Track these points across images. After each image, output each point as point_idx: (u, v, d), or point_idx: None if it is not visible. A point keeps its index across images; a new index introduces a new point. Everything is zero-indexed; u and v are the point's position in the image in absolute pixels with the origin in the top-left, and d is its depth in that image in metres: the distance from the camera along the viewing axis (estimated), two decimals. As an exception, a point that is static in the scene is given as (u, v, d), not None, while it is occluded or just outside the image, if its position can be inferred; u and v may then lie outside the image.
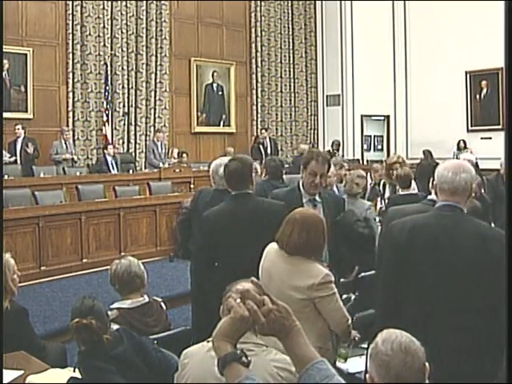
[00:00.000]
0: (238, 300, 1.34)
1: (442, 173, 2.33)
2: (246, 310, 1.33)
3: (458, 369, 2.20)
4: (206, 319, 3.20)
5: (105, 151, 9.80)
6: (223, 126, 12.57)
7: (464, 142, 12.23)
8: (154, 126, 11.27)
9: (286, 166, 8.52)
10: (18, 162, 9.03)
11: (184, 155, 10.79)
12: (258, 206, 3.34)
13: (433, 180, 2.45)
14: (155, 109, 11.30)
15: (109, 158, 9.65)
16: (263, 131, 12.23)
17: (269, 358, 2.05)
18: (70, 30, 10.15)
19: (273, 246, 2.87)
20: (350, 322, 2.77)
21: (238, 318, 1.33)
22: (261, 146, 11.89)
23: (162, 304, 3.23)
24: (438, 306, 2.28)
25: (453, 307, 2.27)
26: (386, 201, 5.86)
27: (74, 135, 10.20)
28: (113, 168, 9.62)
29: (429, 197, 2.89)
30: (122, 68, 10.78)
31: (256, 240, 3.06)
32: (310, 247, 2.69)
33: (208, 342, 2.14)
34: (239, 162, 3.35)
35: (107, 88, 10.29)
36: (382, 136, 14.38)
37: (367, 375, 1.63)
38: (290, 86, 13.64)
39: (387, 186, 6.53)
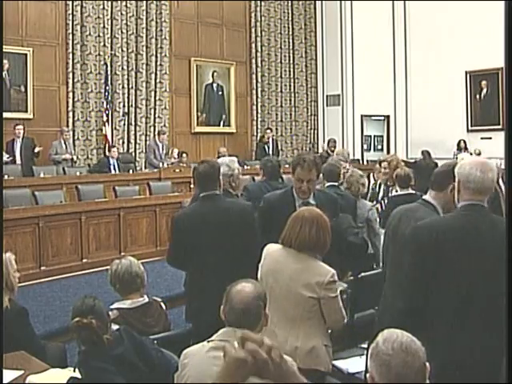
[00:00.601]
0: (236, 344, 1.24)
1: (469, 171, 2.28)
2: (245, 351, 1.17)
3: (488, 366, 2.18)
4: (193, 318, 3.25)
5: (108, 153, 9.79)
6: (223, 126, 12.57)
7: (464, 142, 12.22)
8: (154, 126, 11.27)
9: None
10: (18, 161, 9.02)
11: (184, 155, 10.79)
12: (227, 206, 3.44)
13: (453, 178, 2.40)
14: (155, 109, 11.30)
15: (111, 160, 9.65)
16: (268, 131, 12.23)
17: None
18: (70, 30, 10.15)
19: (273, 247, 2.88)
20: (345, 320, 2.81)
21: (235, 361, 1.18)
22: (265, 146, 11.88)
23: (162, 304, 3.23)
24: (473, 306, 2.26)
25: (487, 306, 2.25)
26: (385, 200, 5.87)
27: (74, 135, 10.19)
28: (114, 170, 9.61)
29: (424, 196, 2.88)
30: (122, 68, 10.77)
31: (225, 239, 3.29)
32: (318, 244, 2.73)
33: (208, 342, 2.14)
34: (208, 165, 3.43)
35: (107, 88, 10.28)
36: (381, 136, 14.38)
37: (368, 375, 1.63)
38: (290, 85, 13.64)
39: (382, 186, 6.52)
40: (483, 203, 2.30)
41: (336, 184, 4.86)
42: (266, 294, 2.21)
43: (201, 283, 3.24)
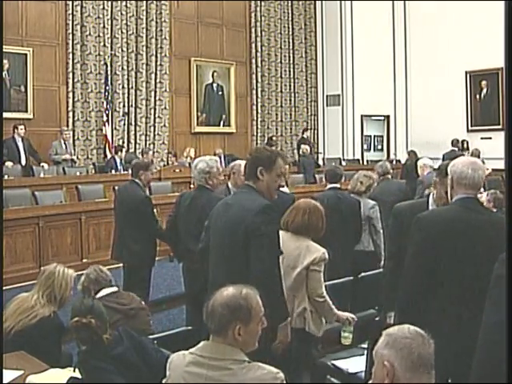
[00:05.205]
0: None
1: (461, 170, 2.57)
2: None
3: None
4: None
5: (115, 155, 9.76)
6: (223, 126, 12.57)
7: (467, 142, 12.20)
8: (154, 126, 11.28)
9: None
10: (24, 162, 9.02)
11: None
12: (129, 191, 5.17)
13: (445, 175, 2.69)
14: (155, 109, 11.30)
15: (118, 161, 9.63)
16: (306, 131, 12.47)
17: (248, 377, 1.93)
18: (70, 30, 10.15)
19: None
20: (324, 298, 3.17)
21: None
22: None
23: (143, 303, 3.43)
24: (474, 295, 2.36)
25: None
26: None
27: (74, 135, 10.19)
28: (119, 171, 9.57)
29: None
30: (122, 68, 10.77)
31: (123, 212, 5.10)
32: (310, 228, 3.25)
33: (190, 353, 2.04)
34: (136, 161, 5.34)
35: (107, 88, 10.28)
36: (381, 136, 14.37)
37: (385, 362, 1.66)
38: (289, 85, 13.64)
39: None
40: (476, 196, 2.60)
41: (337, 186, 4.88)
42: (244, 307, 1.99)
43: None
